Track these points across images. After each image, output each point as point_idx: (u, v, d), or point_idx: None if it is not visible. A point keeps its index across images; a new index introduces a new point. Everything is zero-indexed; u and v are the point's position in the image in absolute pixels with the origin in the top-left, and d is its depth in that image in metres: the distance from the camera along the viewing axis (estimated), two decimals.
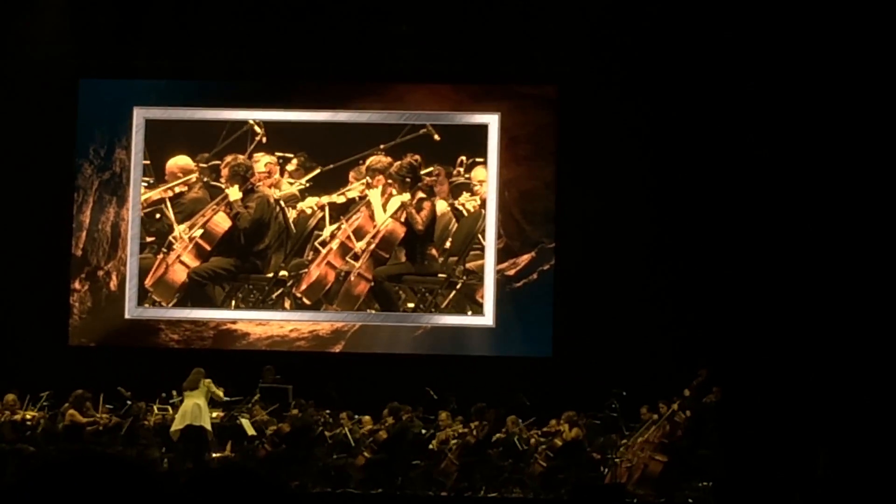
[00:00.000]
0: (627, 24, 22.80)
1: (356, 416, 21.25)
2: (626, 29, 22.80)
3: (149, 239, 23.97)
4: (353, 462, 20.52)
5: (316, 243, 23.81)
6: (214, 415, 20.70)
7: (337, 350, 23.79)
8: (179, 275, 23.90)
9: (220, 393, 20.49)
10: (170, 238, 23.92)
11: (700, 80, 22.63)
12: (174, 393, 20.63)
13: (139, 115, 23.98)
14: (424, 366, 22.83)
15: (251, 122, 23.88)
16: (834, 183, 22.12)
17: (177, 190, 23.76)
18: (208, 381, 20.27)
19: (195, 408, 20.03)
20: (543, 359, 23.05)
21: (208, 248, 23.91)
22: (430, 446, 20.65)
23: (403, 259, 23.75)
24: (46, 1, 23.61)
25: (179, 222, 23.90)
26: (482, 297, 23.59)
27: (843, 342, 21.53)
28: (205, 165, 23.75)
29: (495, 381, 22.01)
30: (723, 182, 22.56)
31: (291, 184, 23.88)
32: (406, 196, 23.68)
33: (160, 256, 23.90)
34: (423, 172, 23.71)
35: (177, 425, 20.13)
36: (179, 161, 23.81)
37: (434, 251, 23.72)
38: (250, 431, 20.70)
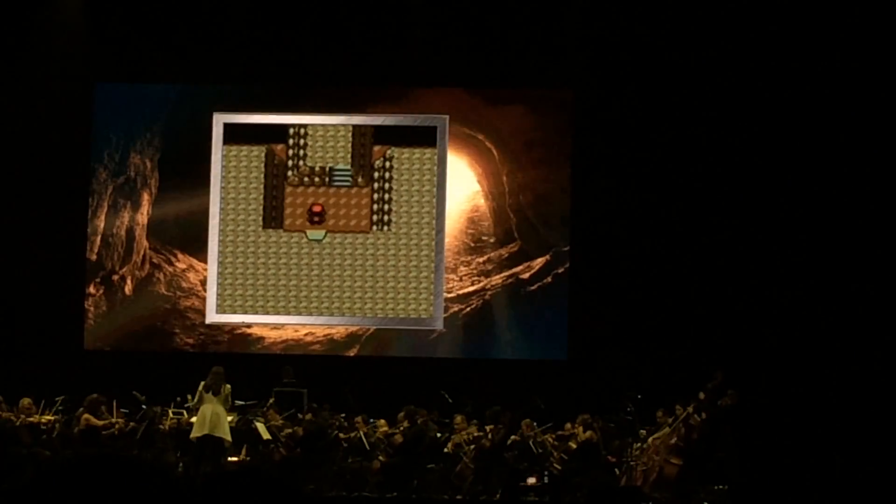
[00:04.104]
0: (643, 27, 22.80)
1: (371, 420, 21.24)
2: (641, 33, 22.81)
3: None
4: (369, 466, 20.50)
5: None
6: (229, 418, 20.67)
7: (352, 354, 23.80)
8: None
9: (230, 402, 20.29)
10: None
11: (715, 85, 22.61)
12: (189, 397, 20.57)
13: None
14: (439, 369, 22.85)
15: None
16: (849, 184, 22.08)
17: None
18: (228, 386, 20.07)
19: (214, 416, 19.78)
20: (558, 362, 23.05)
21: None
22: (446, 450, 20.62)
23: None
24: (63, 5, 23.69)
25: None
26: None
27: (859, 344, 21.49)
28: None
29: (510, 384, 22.01)
30: (738, 185, 22.53)
31: None
32: None
33: None
34: None
35: (196, 432, 19.89)
36: None
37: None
38: (265, 435, 20.67)
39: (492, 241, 23.88)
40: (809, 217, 22.22)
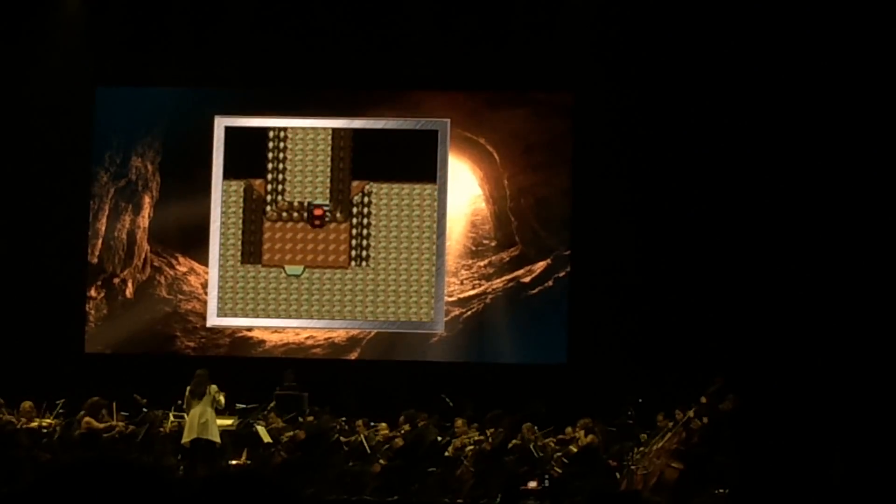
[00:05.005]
0: (643, 31, 22.80)
1: (372, 424, 21.24)
2: (641, 36, 22.81)
3: None
4: (369, 469, 20.51)
5: None
6: (230, 422, 20.69)
7: (353, 357, 23.80)
8: None
9: (222, 399, 20.26)
10: None
11: (716, 88, 22.60)
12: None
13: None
14: (440, 373, 22.84)
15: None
16: (849, 188, 22.08)
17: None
18: (214, 387, 20.12)
19: (202, 419, 19.89)
20: (559, 365, 23.04)
21: None
22: (446, 453, 20.63)
23: None
24: (64, 8, 23.71)
25: None
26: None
27: (859, 348, 21.48)
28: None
29: (511, 387, 22.00)
30: (738, 189, 22.52)
31: None
32: None
33: None
34: None
35: (186, 437, 20.02)
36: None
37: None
38: (266, 438, 20.69)
39: (493, 244, 23.89)
40: (810, 222, 22.20)
